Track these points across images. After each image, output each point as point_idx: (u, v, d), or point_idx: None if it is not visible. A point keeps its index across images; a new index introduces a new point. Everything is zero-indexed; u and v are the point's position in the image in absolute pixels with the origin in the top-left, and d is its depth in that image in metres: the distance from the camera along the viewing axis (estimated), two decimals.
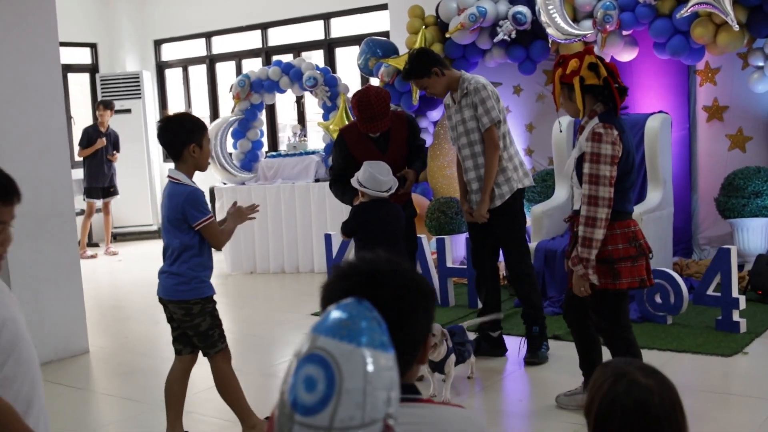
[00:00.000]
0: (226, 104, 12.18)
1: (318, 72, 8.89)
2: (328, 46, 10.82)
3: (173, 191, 3.97)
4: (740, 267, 7.06)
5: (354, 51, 10.61)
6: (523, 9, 7.44)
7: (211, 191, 9.57)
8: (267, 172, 9.08)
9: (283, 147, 10.76)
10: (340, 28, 10.83)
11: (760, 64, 6.95)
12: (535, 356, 5.22)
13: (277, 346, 6.28)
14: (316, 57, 10.85)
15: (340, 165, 5.34)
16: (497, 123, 5.14)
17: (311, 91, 9.00)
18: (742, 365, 5.10)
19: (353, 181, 4.93)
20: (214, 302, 4.08)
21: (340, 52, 10.84)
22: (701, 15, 6.89)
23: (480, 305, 5.70)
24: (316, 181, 8.83)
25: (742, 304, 5.68)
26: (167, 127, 4.02)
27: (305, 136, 9.33)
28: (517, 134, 8.41)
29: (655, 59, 7.55)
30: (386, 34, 9.87)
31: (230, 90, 9.24)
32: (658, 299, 5.97)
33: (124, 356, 6.14)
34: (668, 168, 6.99)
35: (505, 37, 7.51)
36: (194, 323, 3.99)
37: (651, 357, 5.18)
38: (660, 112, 7.16)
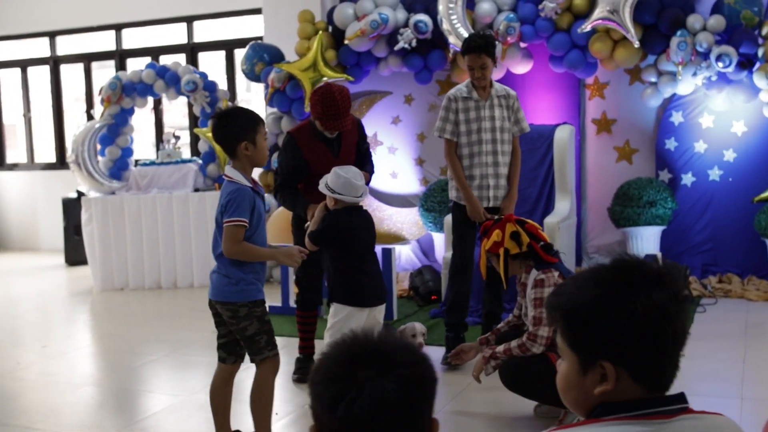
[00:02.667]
0: (72, 111, 11.38)
1: (197, 76, 8.43)
2: (191, 50, 10.32)
3: (223, 189, 3.75)
4: None
5: (219, 56, 10.23)
6: (424, 18, 7.39)
7: (76, 201, 8.85)
8: (140, 181, 8.49)
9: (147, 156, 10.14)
10: (204, 32, 10.36)
11: (653, 80, 7.25)
12: None
13: (211, 365, 5.82)
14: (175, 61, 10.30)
15: (291, 169, 5.04)
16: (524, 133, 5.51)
17: (189, 96, 8.53)
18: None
19: (322, 188, 4.64)
20: (264, 306, 3.80)
21: (204, 57, 10.37)
22: (599, 31, 7.12)
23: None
24: (196, 190, 8.35)
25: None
26: (219, 125, 3.76)
27: (178, 143, 8.80)
28: (408, 143, 8.36)
29: (548, 72, 7.72)
30: (258, 39, 9.55)
31: (99, 93, 8.58)
32: None
33: None
34: (573, 178, 7.15)
35: (406, 46, 7.43)
36: (240, 326, 3.75)
37: None
38: (565, 123, 7.32)
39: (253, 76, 8.25)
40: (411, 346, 1.47)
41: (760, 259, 7.19)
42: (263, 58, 8.15)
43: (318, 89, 4.90)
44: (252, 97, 11.08)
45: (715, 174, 7.41)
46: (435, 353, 5.69)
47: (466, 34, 7.25)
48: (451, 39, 7.32)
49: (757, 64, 6.84)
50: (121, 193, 8.45)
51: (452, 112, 5.35)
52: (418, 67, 7.70)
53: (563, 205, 6.95)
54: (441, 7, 7.32)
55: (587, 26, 7.00)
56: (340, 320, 4.65)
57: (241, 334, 3.78)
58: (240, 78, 10.20)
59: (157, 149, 9.58)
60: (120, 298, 8.06)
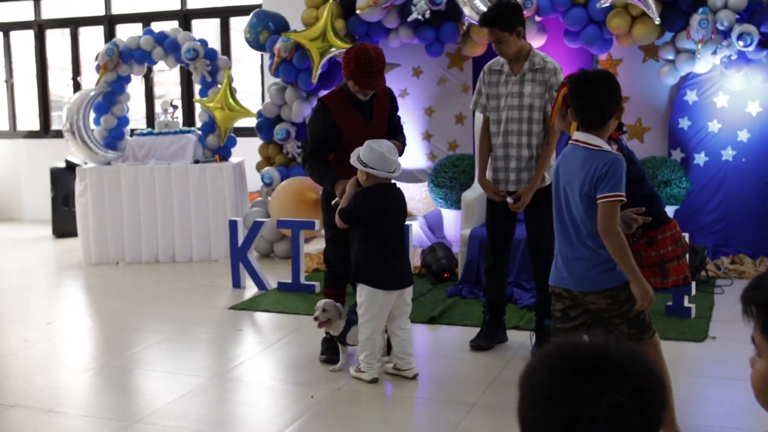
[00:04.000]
0: (56, 78, 11.01)
1: (198, 44, 8.16)
2: (185, 16, 10.01)
3: (590, 159, 3.35)
4: None
5: (213, 24, 9.95)
6: None
7: (64, 171, 8.56)
8: (137, 152, 8.21)
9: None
10: None
11: (671, 57, 7.14)
12: None
13: (222, 344, 5.61)
14: (168, 28, 9.98)
15: (322, 137, 4.85)
16: None
17: (188, 65, 8.26)
18: (715, 349, 5.16)
19: (354, 162, 4.48)
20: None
21: (197, 25, 10.07)
22: (617, 6, 6.98)
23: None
24: (195, 162, 8.10)
25: (693, 290, 5.80)
26: (606, 90, 3.40)
27: (176, 113, 8.52)
28: (416, 117, 8.18)
29: (561, 47, 7.57)
30: (257, 6, 9.29)
31: (96, 59, 8.26)
32: None
33: None
34: None
35: (419, 17, 7.23)
36: (623, 310, 3.49)
37: None
38: None
39: (257, 44, 8.00)
40: (635, 350, 1.31)
41: None
42: (268, 26, 7.90)
43: (351, 48, 4.77)
44: (241, 68, 10.79)
45: (728, 154, 7.34)
46: (453, 334, 5.57)
47: (481, 6, 7.08)
48: (466, 10, 7.13)
49: None
50: (117, 164, 8.17)
51: (484, 84, 5.15)
52: (429, 39, 7.51)
53: None
54: None
55: (607, 1, 6.86)
56: (366, 301, 4.52)
57: (624, 317, 3.51)
58: (235, 47, 9.94)
59: (148, 119, 9.30)
60: (115, 272, 7.81)
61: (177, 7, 10.06)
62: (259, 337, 5.74)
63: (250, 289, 6.83)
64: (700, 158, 7.40)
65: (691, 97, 7.38)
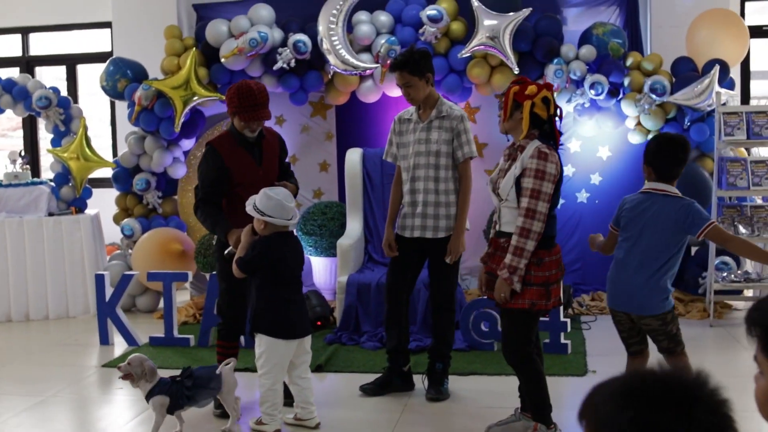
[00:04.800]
0: None
1: (51, 91, 7.83)
2: (27, 63, 9.58)
3: (675, 206, 4.00)
4: None
5: (58, 71, 9.60)
6: (303, 37, 7.25)
7: None
8: None
9: None
10: (41, 44, 9.66)
11: None
12: (438, 392, 5.04)
13: (104, 404, 5.32)
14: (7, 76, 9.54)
15: (212, 180, 4.76)
16: (472, 157, 5.05)
17: (39, 114, 7.90)
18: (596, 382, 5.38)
19: (250, 210, 4.41)
20: None
21: (42, 72, 9.66)
22: (476, 56, 7.27)
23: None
24: (50, 215, 7.72)
25: (568, 327, 6.04)
26: (682, 150, 4.09)
27: (28, 163, 8.09)
28: None
29: None
30: (107, 54, 9.06)
31: None
32: (483, 327, 6.12)
33: None
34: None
35: (284, 65, 7.25)
36: (668, 329, 4.09)
37: (497, 382, 5.33)
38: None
39: (114, 93, 7.77)
40: (685, 368, 1.36)
41: None
42: (126, 74, 7.70)
43: (232, 86, 4.78)
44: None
45: (582, 196, 7.74)
46: (342, 381, 5.55)
47: (346, 55, 7.20)
48: (331, 59, 7.23)
49: (623, 93, 7.24)
50: None
51: (395, 134, 5.23)
52: (294, 87, 7.54)
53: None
54: (321, 27, 7.21)
55: (467, 51, 7.13)
56: (266, 351, 4.44)
57: (666, 335, 4.10)
58: (82, 94, 9.61)
59: None
60: None
61: (18, 53, 9.62)
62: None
63: (120, 346, 6.55)
64: None
65: None
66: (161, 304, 7.88)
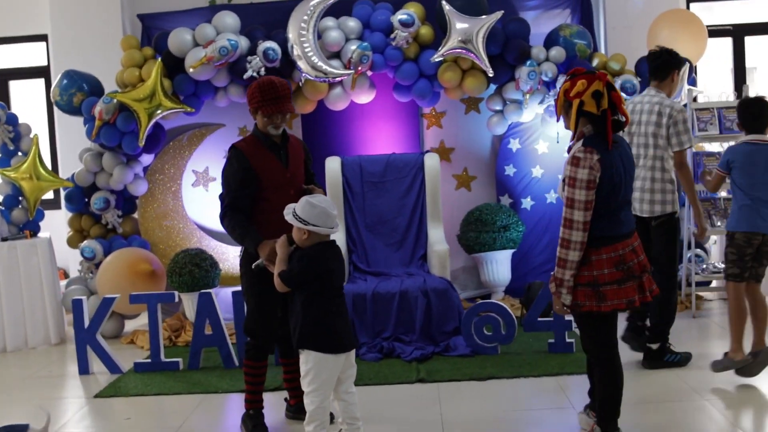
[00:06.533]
0: None
1: None
2: None
3: None
4: (488, 297, 7.50)
5: None
6: (273, 45, 7.04)
7: None
8: None
9: None
10: None
11: (499, 108, 7.49)
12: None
13: None
14: None
15: (239, 183, 4.52)
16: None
17: None
18: None
19: (291, 219, 4.21)
20: None
21: None
22: (447, 61, 7.23)
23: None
24: (3, 240, 7.22)
25: (573, 326, 6.04)
26: None
27: None
28: None
29: (386, 102, 7.71)
30: (43, 69, 8.61)
31: None
32: (485, 331, 6.05)
33: None
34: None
35: (254, 74, 7.01)
36: None
37: (521, 384, 5.31)
38: (428, 151, 7.32)
39: (69, 108, 7.34)
40: None
41: None
42: (83, 88, 7.29)
43: (250, 85, 4.68)
44: None
45: (551, 197, 7.79)
46: (380, 394, 5.35)
47: (319, 62, 7.03)
48: (302, 65, 7.04)
49: None
50: None
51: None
52: None
53: (436, 233, 6.93)
54: (291, 34, 7.02)
55: (439, 55, 7.07)
56: (314, 368, 4.24)
57: None
58: (15, 112, 9.06)
59: None
60: None
61: None
62: (158, 423, 5.17)
63: (101, 375, 6.16)
64: (527, 203, 7.80)
65: (514, 145, 7.78)
66: (126, 329, 7.53)
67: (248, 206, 4.56)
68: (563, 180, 4.06)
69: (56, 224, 8.28)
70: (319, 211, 4.20)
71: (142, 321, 7.79)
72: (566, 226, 3.90)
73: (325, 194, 4.76)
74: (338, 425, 4.46)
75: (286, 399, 5.01)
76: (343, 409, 4.42)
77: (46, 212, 7.91)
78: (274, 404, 5.01)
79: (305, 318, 4.25)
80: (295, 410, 4.92)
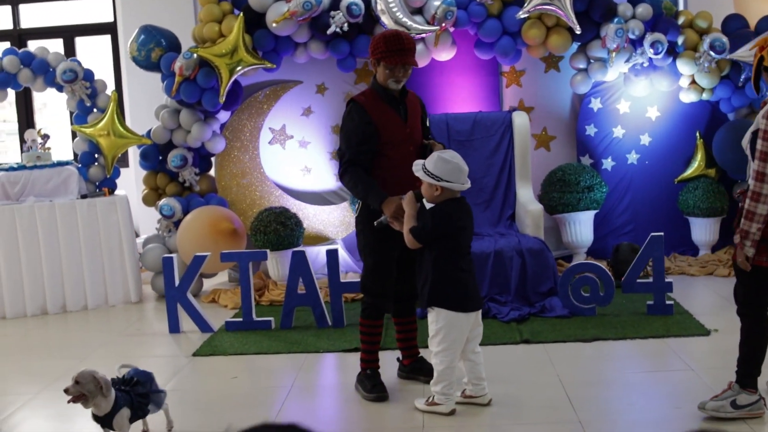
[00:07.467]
0: None
1: (75, 63, 7.25)
2: (19, 37, 8.87)
3: None
4: (569, 258, 7.41)
5: (53, 45, 8.93)
6: (357, 0, 6.90)
7: None
8: (10, 189, 7.11)
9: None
10: (33, 17, 8.96)
11: (583, 66, 7.34)
12: None
13: (251, 393, 4.92)
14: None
15: (360, 138, 4.42)
16: None
17: (62, 88, 7.31)
18: (727, 341, 5.28)
19: (421, 175, 4.12)
20: None
21: (35, 47, 8.94)
22: (532, 17, 7.07)
23: None
24: (83, 197, 7.15)
25: (673, 288, 5.95)
26: None
27: (46, 144, 7.42)
28: (322, 136, 7.77)
29: (467, 59, 7.56)
30: (109, 25, 8.50)
31: None
32: (583, 293, 5.97)
33: None
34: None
35: (338, 30, 6.88)
36: None
37: (627, 346, 5.24)
38: (516, 109, 7.20)
39: (147, 63, 7.23)
40: None
41: (680, 236, 7.56)
42: (161, 43, 7.18)
43: (375, 35, 4.64)
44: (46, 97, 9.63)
45: (632, 157, 7.67)
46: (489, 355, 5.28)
47: (403, 17, 6.89)
48: (385, 19, 6.90)
49: (679, 51, 7.18)
50: None
51: None
52: (344, 53, 7.17)
53: (526, 193, 6.82)
54: None
55: (525, 12, 6.90)
56: (445, 326, 4.18)
57: None
58: None
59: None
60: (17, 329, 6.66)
61: (8, 26, 8.90)
62: (268, 381, 5.12)
63: (193, 334, 6.11)
64: (608, 163, 7.67)
65: (595, 104, 7.63)
66: (204, 287, 7.49)
67: (370, 161, 4.46)
68: (753, 133, 3.93)
69: (124, 182, 8.21)
70: (452, 167, 4.11)
71: (219, 279, 7.77)
72: (758, 179, 3.81)
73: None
74: (463, 385, 4.41)
75: (398, 359, 4.94)
76: (469, 369, 4.37)
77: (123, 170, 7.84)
78: (383, 363, 4.94)
79: (436, 276, 4.18)
80: (409, 370, 4.86)
